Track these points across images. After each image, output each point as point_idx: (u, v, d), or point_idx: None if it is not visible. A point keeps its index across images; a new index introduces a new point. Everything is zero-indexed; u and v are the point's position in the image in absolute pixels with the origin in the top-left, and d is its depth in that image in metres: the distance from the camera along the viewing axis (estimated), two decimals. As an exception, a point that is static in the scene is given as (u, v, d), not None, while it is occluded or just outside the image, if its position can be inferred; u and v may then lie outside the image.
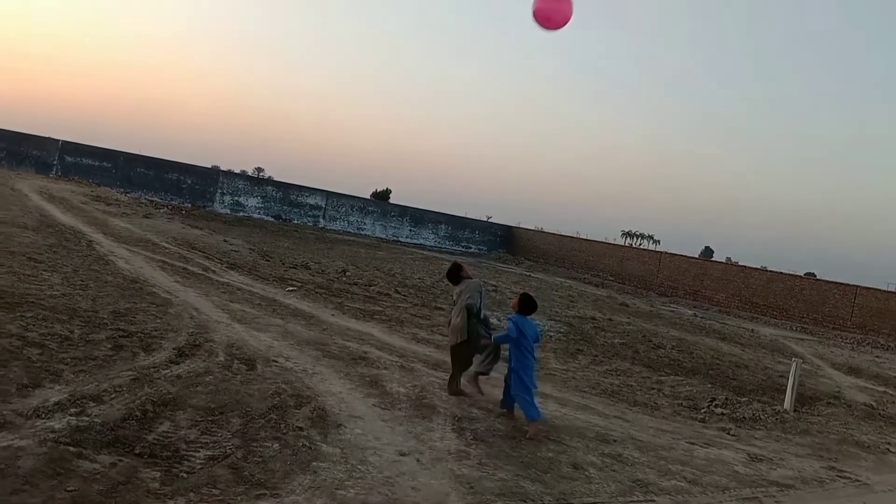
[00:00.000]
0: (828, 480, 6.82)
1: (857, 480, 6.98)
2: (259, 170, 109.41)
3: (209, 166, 46.46)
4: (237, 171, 62.91)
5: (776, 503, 5.89)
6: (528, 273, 34.97)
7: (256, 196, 41.10)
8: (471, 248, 49.74)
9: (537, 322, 7.97)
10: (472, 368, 7.61)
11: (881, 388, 14.55)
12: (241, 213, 39.66)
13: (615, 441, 6.86)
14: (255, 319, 9.89)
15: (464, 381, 7.59)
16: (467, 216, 52.76)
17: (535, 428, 6.55)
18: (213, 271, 14.16)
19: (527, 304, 7.39)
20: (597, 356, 11.97)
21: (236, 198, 40.29)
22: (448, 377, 7.63)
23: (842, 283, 32.79)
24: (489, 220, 54.97)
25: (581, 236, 50.63)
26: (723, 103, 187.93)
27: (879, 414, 11.11)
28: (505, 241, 52.30)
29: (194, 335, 8.05)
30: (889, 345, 26.64)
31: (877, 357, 22.07)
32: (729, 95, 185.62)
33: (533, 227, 55.80)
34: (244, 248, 20.06)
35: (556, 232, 51.40)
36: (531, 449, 6.12)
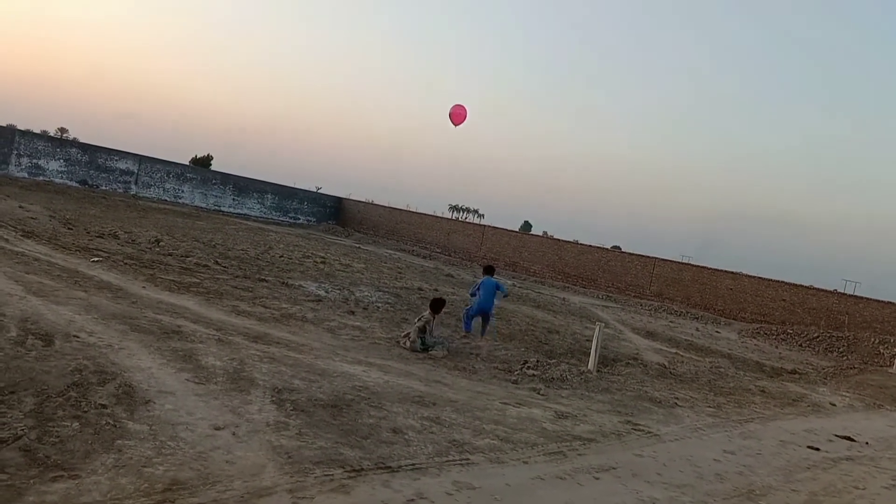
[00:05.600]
0: (624, 433, 7.49)
1: (650, 432, 7.72)
2: (62, 130, 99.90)
3: (4, 125, 41.74)
4: (37, 130, 57.00)
5: (579, 456, 6.37)
6: (357, 245, 34.87)
7: (59, 159, 37.33)
8: (299, 219, 48.63)
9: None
10: None
11: (673, 350, 16.20)
12: (42, 178, 35.95)
13: (433, 404, 7.08)
14: (55, 292, 9.08)
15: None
16: (296, 186, 51.45)
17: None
18: (6, 240, 12.82)
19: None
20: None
21: (35, 160, 36.38)
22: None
23: (642, 256, 35.96)
24: (318, 191, 53.97)
25: (410, 209, 51.32)
26: (543, 81, 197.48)
27: (671, 372, 12.37)
28: (335, 212, 51.68)
29: (-21, 309, 7.25)
30: (681, 311, 29.67)
31: (671, 322, 24.51)
32: (546, 75, 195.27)
33: (363, 200, 55.70)
34: (43, 216, 18.27)
35: (386, 204, 51.67)
36: (352, 416, 6.16)
